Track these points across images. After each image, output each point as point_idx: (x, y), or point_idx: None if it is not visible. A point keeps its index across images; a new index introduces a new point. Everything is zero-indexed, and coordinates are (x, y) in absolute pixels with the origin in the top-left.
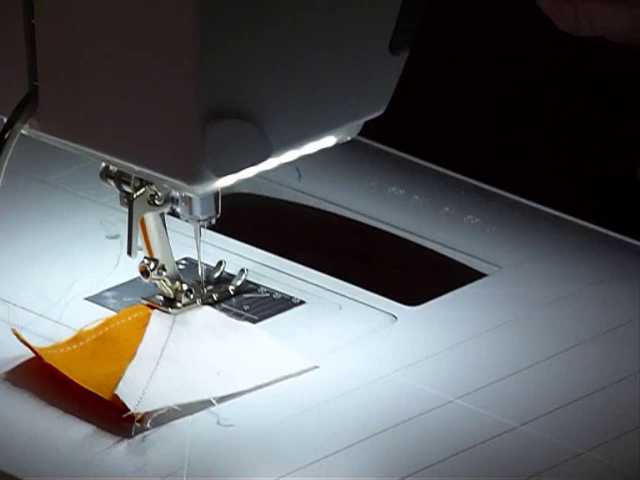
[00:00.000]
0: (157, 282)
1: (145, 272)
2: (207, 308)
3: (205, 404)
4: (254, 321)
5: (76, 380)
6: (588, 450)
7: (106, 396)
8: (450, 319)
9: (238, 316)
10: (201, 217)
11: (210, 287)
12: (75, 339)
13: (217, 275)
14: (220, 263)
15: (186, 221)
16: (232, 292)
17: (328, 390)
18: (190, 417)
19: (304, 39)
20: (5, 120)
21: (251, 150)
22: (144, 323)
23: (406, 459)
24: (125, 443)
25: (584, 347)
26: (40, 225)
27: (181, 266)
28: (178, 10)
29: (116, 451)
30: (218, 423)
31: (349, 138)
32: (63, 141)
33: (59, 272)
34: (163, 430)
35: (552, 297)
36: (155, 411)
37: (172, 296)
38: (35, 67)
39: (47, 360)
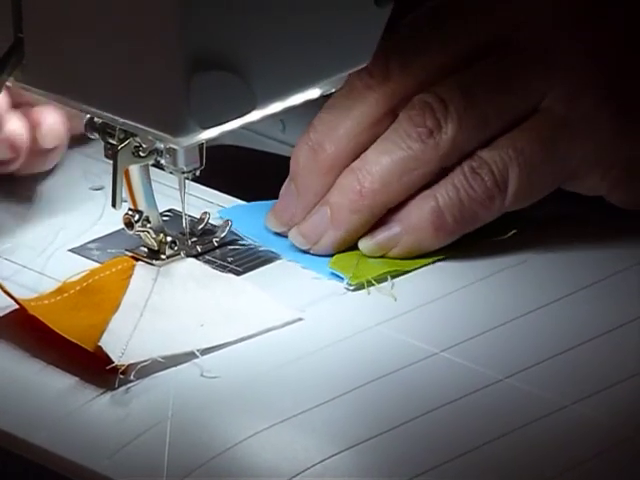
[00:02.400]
0: (141, 234)
1: (129, 224)
2: (191, 260)
3: (189, 356)
4: (238, 273)
5: (59, 331)
6: (573, 403)
7: (89, 347)
8: (438, 270)
9: (222, 268)
10: (185, 169)
11: (194, 239)
12: (59, 291)
13: (201, 227)
14: (204, 214)
15: (170, 173)
16: (216, 244)
17: (313, 341)
18: (174, 369)
19: None
20: None
21: (236, 102)
22: (128, 275)
23: (390, 411)
24: (109, 395)
25: (573, 298)
26: (23, 177)
27: (165, 218)
28: None
29: (99, 403)
30: (202, 375)
31: (333, 90)
32: (48, 93)
33: (43, 224)
34: (147, 382)
35: (541, 245)
36: (139, 363)
37: (156, 248)
38: (20, 19)
39: (30, 311)
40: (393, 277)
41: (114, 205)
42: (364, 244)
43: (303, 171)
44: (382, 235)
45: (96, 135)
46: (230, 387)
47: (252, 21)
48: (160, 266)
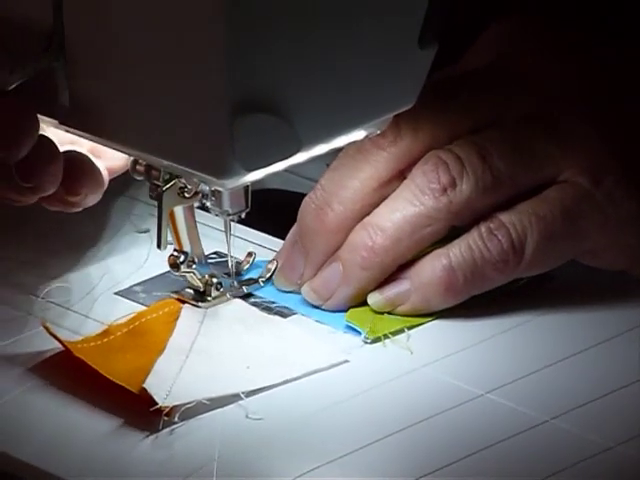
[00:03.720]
0: (187, 275)
1: (175, 265)
2: (238, 301)
3: (234, 398)
4: (284, 315)
5: (104, 373)
6: (618, 444)
7: (134, 389)
8: (479, 313)
9: (268, 310)
10: (231, 211)
11: (240, 279)
12: (105, 333)
13: (247, 267)
14: (250, 254)
15: (216, 215)
16: (262, 284)
17: (358, 383)
18: (219, 410)
19: (334, 32)
20: None
21: (280, 144)
22: (175, 317)
23: (436, 453)
24: (153, 437)
25: (616, 341)
26: (68, 220)
27: (211, 260)
28: (208, 4)
29: (144, 445)
30: (247, 417)
31: (378, 132)
32: (93, 136)
33: (88, 266)
34: (191, 424)
35: (581, 291)
36: (183, 405)
37: (202, 289)
38: (65, 63)
39: (76, 354)
40: (410, 328)
41: (159, 246)
42: (373, 299)
43: (311, 231)
44: (392, 291)
45: (141, 176)
46: (276, 429)
47: (297, 64)
48: (207, 308)
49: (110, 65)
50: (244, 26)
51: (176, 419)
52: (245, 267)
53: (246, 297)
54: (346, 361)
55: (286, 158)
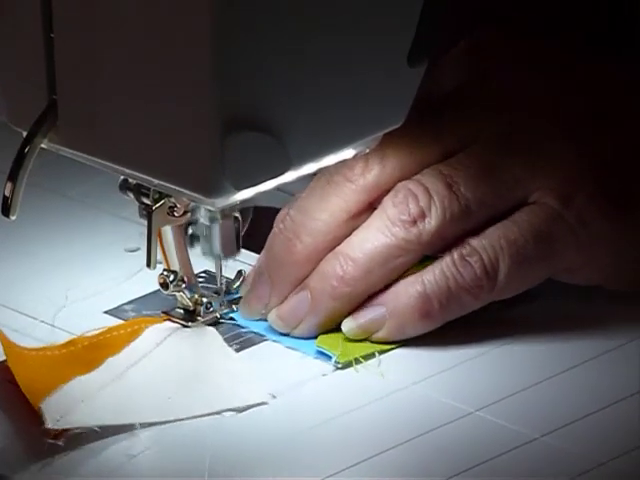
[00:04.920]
0: (177, 294)
1: (164, 284)
2: (210, 329)
3: (129, 427)
4: (254, 341)
5: (19, 382)
6: (610, 460)
7: (34, 404)
8: (467, 330)
9: (236, 337)
10: (222, 255)
11: (230, 298)
12: (68, 344)
13: (237, 285)
14: (240, 273)
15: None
16: None
17: (347, 402)
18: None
19: (323, 50)
20: (25, 134)
21: (270, 163)
22: (135, 336)
23: (426, 471)
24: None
25: (604, 358)
26: (59, 238)
27: (200, 279)
28: (195, 21)
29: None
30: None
31: (367, 150)
32: (82, 154)
33: (78, 286)
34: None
35: (568, 308)
36: (72, 429)
37: (192, 308)
38: (54, 81)
39: (6, 356)
40: (381, 352)
41: (149, 265)
42: (347, 326)
43: (278, 262)
44: (366, 318)
45: (130, 195)
46: (261, 449)
47: (286, 83)
48: (175, 331)
49: (99, 84)
50: (233, 45)
51: (60, 443)
52: (235, 285)
53: (217, 321)
54: (265, 403)
55: (276, 177)
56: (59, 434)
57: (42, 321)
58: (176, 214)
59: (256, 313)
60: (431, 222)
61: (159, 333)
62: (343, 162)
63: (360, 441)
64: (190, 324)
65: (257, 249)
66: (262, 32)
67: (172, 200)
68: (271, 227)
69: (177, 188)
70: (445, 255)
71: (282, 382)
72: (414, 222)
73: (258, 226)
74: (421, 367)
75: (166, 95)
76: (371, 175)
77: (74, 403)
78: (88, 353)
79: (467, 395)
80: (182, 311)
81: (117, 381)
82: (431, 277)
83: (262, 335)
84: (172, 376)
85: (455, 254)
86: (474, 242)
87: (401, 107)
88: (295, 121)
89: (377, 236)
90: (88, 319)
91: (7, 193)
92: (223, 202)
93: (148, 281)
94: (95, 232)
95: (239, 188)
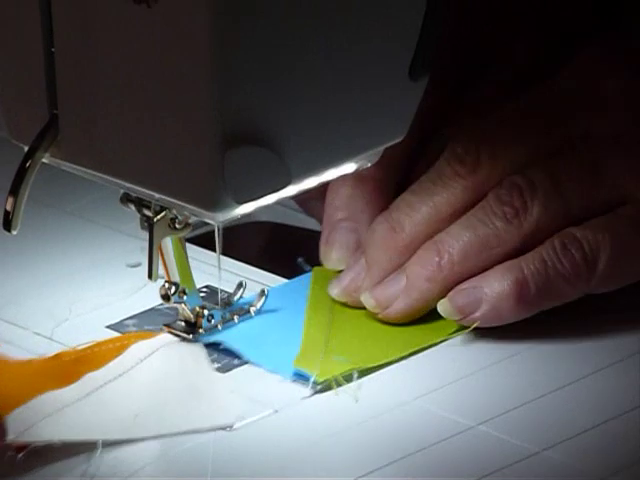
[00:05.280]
0: (178, 306)
1: (166, 296)
2: (197, 347)
3: (91, 445)
4: (234, 365)
5: None
6: (612, 475)
7: (1, 415)
8: (471, 345)
9: (220, 360)
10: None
11: (232, 310)
12: (56, 357)
13: (237, 298)
14: (240, 285)
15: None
16: (253, 314)
17: (350, 416)
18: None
19: (323, 64)
20: (26, 149)
21: (271, 177)
22: (119, 352)
23: None
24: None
25: (609, 371)
26: (61, 254)
27: (202, 294)
28: (194, 36)
29: None
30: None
31: (369, 164)
32: (83, 169)
33: (79, 300)
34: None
35: (570, 323)
36: (33, 443)
37: (193, 320)
38: (55, 95)
39: None
40: (361, 372)
41: (150, 277)
42: (443, 307)
43: (377, 247)
44: (462, 300)
45: (132, 207)
46: (263, 462)
47: (287, 97)
48: (163, 346)
49: (99, 98)
50: (233, 59)
51: (19, 457)
52: (235, 298)
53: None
54: (230, 427)
55: (276, 191)
56: (21, 448)
57: (42, 335)
58: (177, 226)
59: (346, 294)
60: (532, 215)
61: (144, 350)
62: (453, 151)
63: (360, 456)
64: (191, 336)
65: (257, 263)
66: (262, 48)
67: (173, 212)
68: (270, 241)
69: (178, 202)
70: (546, 242)
71: (276, 400)
72: (516, 214)
73: (258, 240)
74: (423, 381)
75: (167, 110)
76: (481, 173)
77: (41, 417)
78: (70, 367)
79: (468, 409)
80: (183, 323)
81: (89, 397)
82: (530, 263)
83: (244, 358)
84: (146, 395)
85: (556, 241)
86: (576, 231)
87: (403, 121)
88: (296, 135)
89: (477, 225)
90: (90, 334)
91: (8, 208)
92: (224, 216)
93: (150, 296)
94: (96, 247)
95: (240, 202)
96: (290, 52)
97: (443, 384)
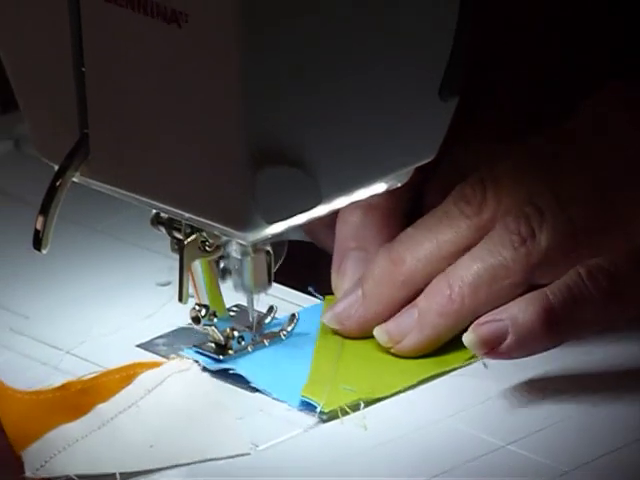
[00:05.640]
0: (208, 329)
1: (196, 318)
2: (204, 375)
3: (110, 477)
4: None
5: (4, 424)
6: None
7: (17, 450)
8: (502, 363)
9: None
10: (254, 290)
11: (262, 332)
12: (62, 387)
13: (268, 321)
14: (271, 308)
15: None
16: (284, 337)
17: (378, 435)
18: None
19: (354, 84)
20: (56, 168)
21: (302, 197)
22: (128, 382)
23: None
24: None
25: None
26: (90, 272)
27: (232, 313)
28: (225, 55)
29: None
30: None
31: (399, 184)
32: (113, 188)
33: (109, 319)
34: None
35: (606, 339)
36: (51, 478)
37: (223, 342)
38: (85, 114)
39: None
40: (367, 405)
41: (180, 299)
42: (468, 339)
43: (376, 279)
44: (487, 331)
45: (162, 230)
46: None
47: (317, 117)
48: (171, 374)
49: (130, 118)
50: (264, 79)
51: None
52: (266, 321)
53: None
54: (248, 454)
55: (307, 210)
56: None
57: (71, 353)
58: (208, 248)
59: (338, 323)
60: (541, 243)
61: (152, 380)
62: (461, 191)
63: (392, 472)
64: (221, 357)
65: (289, 283)
66: (292, 67)
67: (204, 234)
68: (302, 260)
69: (208, 222)
70: (570, 271)
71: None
72: (523, 242)
73: (290, 259)
74: (451, 400)
75: (198, 129)
76: (487, 213)
77: (55, 452)
78: (78, 398)
79: (498, 428)
80: (213, 345)
81: (102, 429)
82: (557, 291)
83: (253, 385)
84: (158, 424)
85: (581, 269)
86: (600, 260)
87: (433, 141)
88: (326, 155)
89: (485, 256)
90: (120, 352)
91: (39, 227)
92: (254, 236)
93: (180, 315)
94: (126, 265)
95: (270, 222)
96: (321, 71)
97: (473, 404)
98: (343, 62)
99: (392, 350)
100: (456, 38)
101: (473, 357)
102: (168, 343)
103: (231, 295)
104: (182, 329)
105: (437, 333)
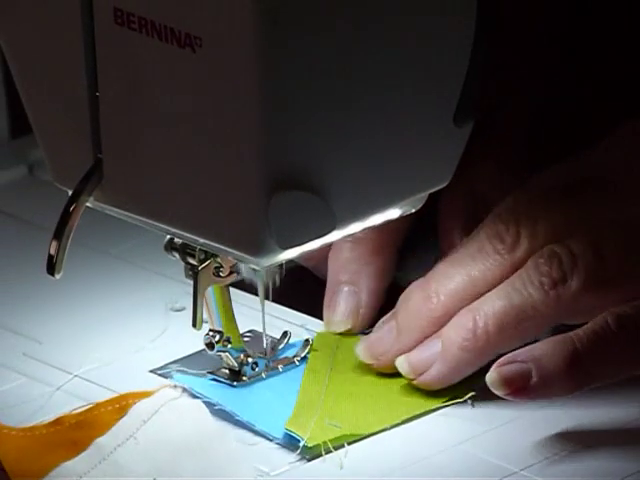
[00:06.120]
0: (222, 355)
1: (210, 344)
2: (197, 403)
3: None
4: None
5: (4, 463)
6: None
7: None
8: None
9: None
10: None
11: (276, 358)
12: (55, 422)
13: (282, 346)
14: (285, 334)
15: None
16: (297, 363)
17: (390, 461)
18: None
19: (368, 109)
20: (70, 193)
21: (316, 222)
22: (122, 414)
23: None
24: None
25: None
26: (104, 297)
27: (246, 338)
28: (240, 81)
29: None
30: None
31: (413, 210)
32: (127, 213)
33: (122, 344)
34: None
35: None
36: None
37: (237, 368)
38: (99, 139)
39: None
40: (350, 439)
41: (194, 325)
42: (490, 378)
43: (410, 314)
44: (511, 371)
45: (176, 255)
46: None
47: (332, 142)
48: (164, 405)
49: (144, 143)
50: (279, 105)
51: None
52: (280, 346)
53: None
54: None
55: (321, 236)
56: None
57: (82, 378)
58: (222, 274)
59: (373, 357)
60: (571, 287)
61: (146, 410)
62: (494, 227)
63: None
64: (235, 384)
65: (303, 309)
66: (310, 94)
67: (218, 260)
68: (316, 286)
69: (222, 247)
70: (598, 317)
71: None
72: (554, 285)
73: (304, 285)
74: (466, 426)
75: (212, 155)
76: (520, 250)
77: None
78: (74, 432)
79: (511, 454)
80: (227, 371)
81: (102, 464)
82: (583, 337)
83: (238, 418)
84: (158, 456)
85: (609, 317)
86: (629, 308)
87: (447, 166)
88: (341, 180)
89: (514, 294)
90: (133, 378)
91: (52, 252)
92: (269, 261)
93: (194, 340)
94: (140, 290)
95: (285, 247)
96: (336, 98)
97: (487, 429)
98: (359, 89)
99: (414, 382)
100: (471, 64)
101: (458, 397)
102: (181, 368)
103: (245, 321)
104: (196, 354)
105: (459, 367)
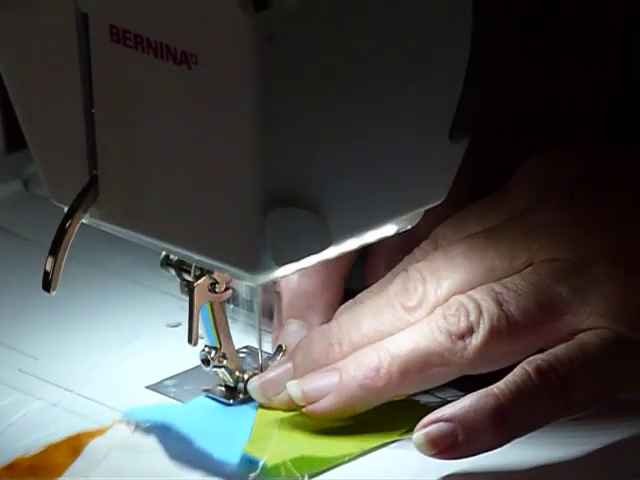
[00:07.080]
0: (218, 371)
1: (206, 360)
2: (150, 440)
3: None
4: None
5: None
6: None
7: None
8: None
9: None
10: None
11: None
12: (12, 466)
13: (277, 361)
14: (279, 348)
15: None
16: None
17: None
18: None
19: (365, 126)
20: (66, 209)
21: (312, 239)
22: (77, 453)
23: None
24: None
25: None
26: (100, 313)
27: (242, 354)
28: (236, 98)
29: None
30: None
31: (409, 226)
32: (123, 230)
33: (119, 360)
34: None
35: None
36: None
37: (233, 385)
38: (95, 156)
39: None
40: (312, 461)
41: (190, 341)
42: (417, 440)
43: (309, 359)
44: (437, 432)
45: (172, 272)
46: None
47: (327, 158)
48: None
49: (140, 159)
50: (275, 122)
51: None
52: (275, 361)
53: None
54: None
55: (317, 253)
56: None
57: (76, 393)
58: (217, 290)
59: (266, 398)
60: (477, 338)
61: (99, 450)
62: (402, 284)
63: None
64: (231, 401)
65: None
66: (307, 112)
67: (213, 276)
68: None
69: (218, 264)
70: (517, 367)
71: None
72: (461, 336)
73: None
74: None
75: (208, 172)
76: (426, 307)
77: None
78: (31, 476)
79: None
80: (223, 388)
81: None
82: (506, 390)
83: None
84: None
85: (529, 368)
86: (548, 357)
87: (443, 183)
88: (337, 197)
89: (421, 340)
90: (129, 394)
91: (48, 268)
92: (264, 278)
93: (189, 357)
94: (135, 306)
95: (281, 264)
96: (333, 116)
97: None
98: (356, 105)
99: (302, 410)
100: (467, 80)
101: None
102: (178, 384)
103: (241, 337)
104: (191, 370)
105: (353, 404)
